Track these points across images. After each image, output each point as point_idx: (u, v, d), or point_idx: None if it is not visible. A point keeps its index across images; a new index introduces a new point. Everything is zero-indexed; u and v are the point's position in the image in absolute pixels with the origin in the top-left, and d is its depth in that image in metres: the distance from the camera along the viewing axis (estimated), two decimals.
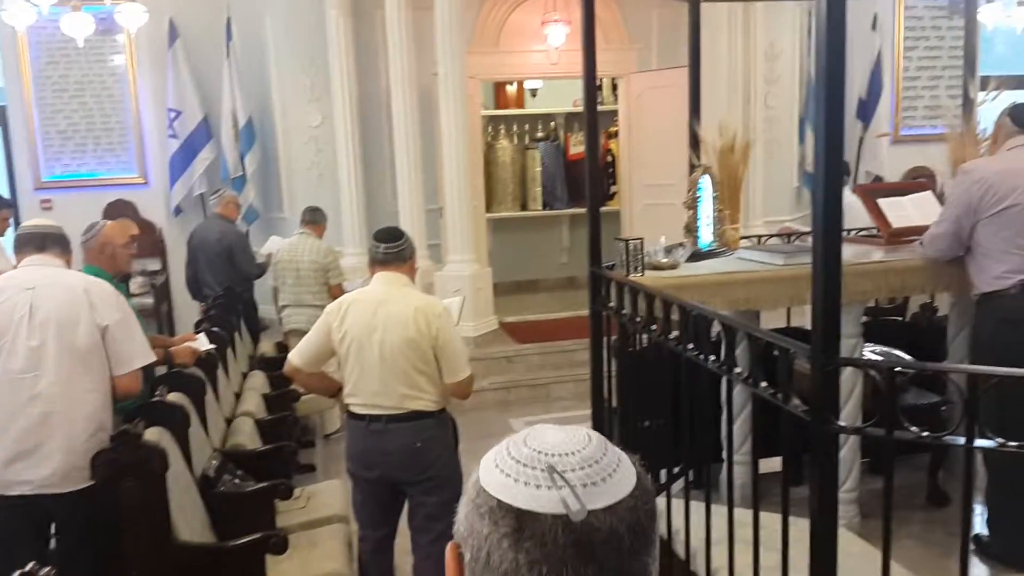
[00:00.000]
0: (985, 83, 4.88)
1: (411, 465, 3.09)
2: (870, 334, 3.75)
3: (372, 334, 3.03)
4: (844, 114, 1.90)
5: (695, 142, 4.24)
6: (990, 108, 4.33)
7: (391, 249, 3.14)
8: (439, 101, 6.73)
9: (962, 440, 1.95)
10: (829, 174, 1.91)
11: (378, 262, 3.16)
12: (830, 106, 1.86)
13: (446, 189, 6.80)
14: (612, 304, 3.41)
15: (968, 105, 4.99)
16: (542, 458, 0.80)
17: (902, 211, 3.78)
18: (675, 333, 2.83)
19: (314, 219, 5.85)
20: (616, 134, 8.41)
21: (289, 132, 7.41)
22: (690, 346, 2.71)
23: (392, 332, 3.02)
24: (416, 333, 3.02)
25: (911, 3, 8.05)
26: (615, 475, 0.81)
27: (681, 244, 3.78)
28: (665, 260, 3.51)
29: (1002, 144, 3.37)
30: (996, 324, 3.20)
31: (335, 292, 5.34)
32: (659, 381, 3.13)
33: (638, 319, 3.10)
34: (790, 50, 7.63)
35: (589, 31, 3.50)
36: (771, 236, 4.77)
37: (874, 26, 7.95)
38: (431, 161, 7.11)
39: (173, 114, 7.57)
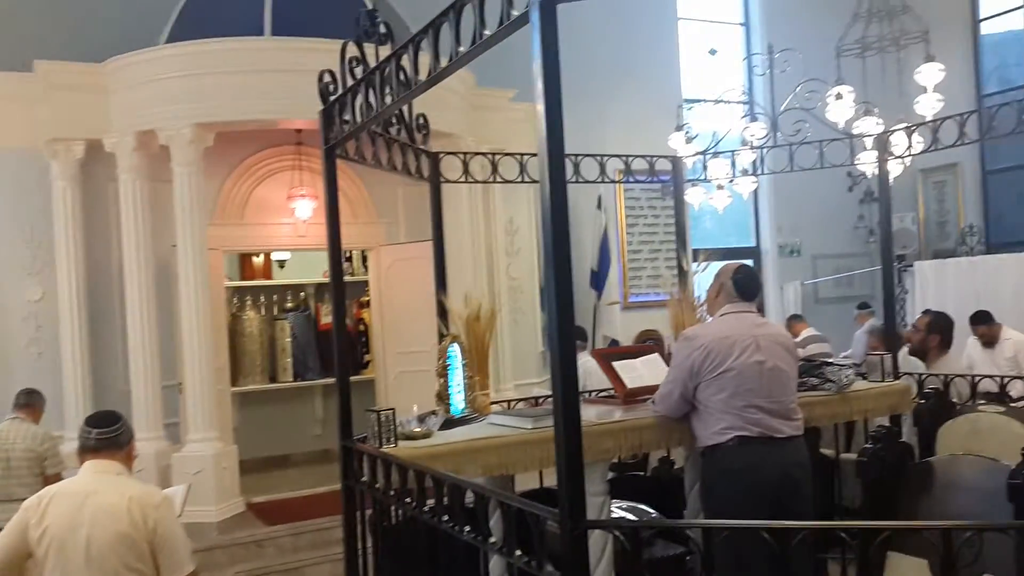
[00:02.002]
0: (696, 255, 5.50)
1: None
2: (617, 490, 3.89)
3: (77, 530, 2.70)
4: (572, 287, 2.02)
5: (443, 311, 4.35)
6: (701, 277, 4.87)
7: (105, 435, 2.88)
8: (178, 273, 6.46)
9: None
10: (563, 342, 2.00)
11: (89, 449, 2.88)
12: (559, 279, 1.97)
13: (186, 364, 6.41)
14: (365, 478, 3.31)
15: (683, 275, 5.55)
16: None
17: (635, 372, 4.05)
18: (432, 501, 2.77)
19: (29, 402, 5.27)
20: (368, 303, 8.46)
21: (5, 308, 6.72)
22: (445, 517, 2.66)
23: (101, 527, 2.71)
24: (130, 527, 2.73)
25: (629, 186, 9.01)
26: None
27: (434, 412, 3.78)
28: (418, 429, 3.48)
29: (722, 304, 3.62)
30: (718, 474, 3.44)
31: (53, 482, 4.76)
32: (418, 556, 3.03)
33: (392, 492, 3.01)
34: (527, 225, 8.24)
35: (332, 205, 3.56)
36: (520, 400, 4.93)
37: (599, 205, 8.80)
38: (168, 335, 6.72)
39: None
